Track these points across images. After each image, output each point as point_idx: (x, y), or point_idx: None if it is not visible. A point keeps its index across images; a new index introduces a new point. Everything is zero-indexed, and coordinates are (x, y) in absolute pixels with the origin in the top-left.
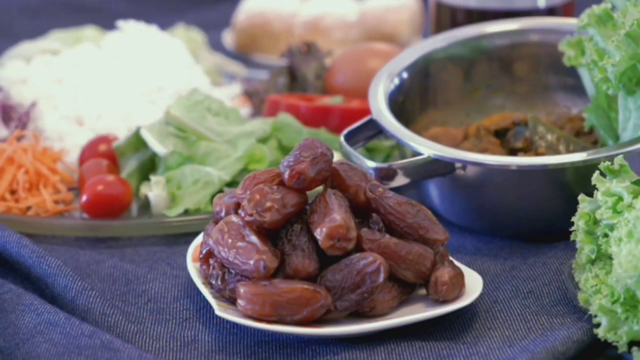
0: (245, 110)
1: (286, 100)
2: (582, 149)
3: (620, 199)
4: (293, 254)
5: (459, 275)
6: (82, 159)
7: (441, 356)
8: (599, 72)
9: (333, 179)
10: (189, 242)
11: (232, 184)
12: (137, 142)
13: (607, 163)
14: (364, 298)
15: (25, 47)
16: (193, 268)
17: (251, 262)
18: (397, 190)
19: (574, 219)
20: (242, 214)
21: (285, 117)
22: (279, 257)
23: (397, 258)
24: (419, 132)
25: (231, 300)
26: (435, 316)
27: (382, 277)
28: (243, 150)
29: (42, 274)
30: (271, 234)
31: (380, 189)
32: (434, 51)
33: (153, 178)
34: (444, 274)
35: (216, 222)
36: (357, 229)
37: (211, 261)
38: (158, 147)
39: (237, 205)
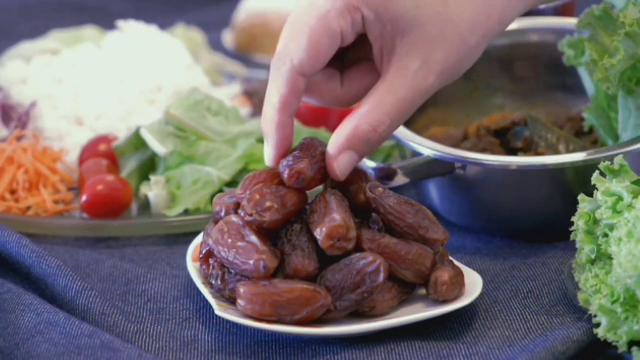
0: (245, 110)
1: None
2: (582, 149)
3: (620, 199)
4: (293, 254)
5: (459, 275)
6: (82, 159)
7: (441, 356)
8: (599, 72)
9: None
10: (189, 242)
11: (232, 184)
12: (137, 142)
13: (607, 163)
14: (364, 298)
15: (25, 47)
16: (193, 268)
17: (251, 262)
18: (397, 190)
19: (574, 219)
20: (242, 214)
21: None
22: (279, 257)
23: (397, 258)
24: (419, 132)
25: (231, 300)
26: (435, 316)
27: (382, 277)
28: (243, 150)
29: (42, 274)
30: (271, 234)
31: (380, 189)
32: None
33: (153, 178)
34: (444, 274)
35: (216, 222)
36: (357, 229)
37: (211, 261)
38: (158, 147)
39: (237, 205)
